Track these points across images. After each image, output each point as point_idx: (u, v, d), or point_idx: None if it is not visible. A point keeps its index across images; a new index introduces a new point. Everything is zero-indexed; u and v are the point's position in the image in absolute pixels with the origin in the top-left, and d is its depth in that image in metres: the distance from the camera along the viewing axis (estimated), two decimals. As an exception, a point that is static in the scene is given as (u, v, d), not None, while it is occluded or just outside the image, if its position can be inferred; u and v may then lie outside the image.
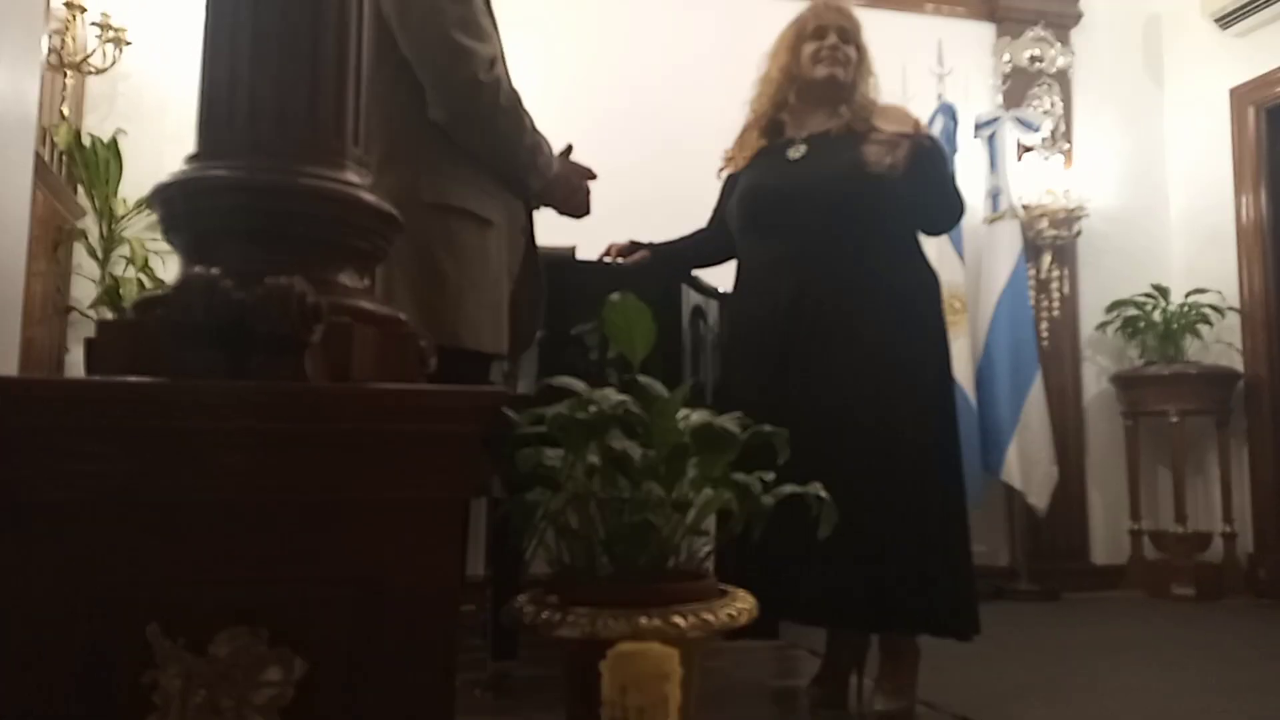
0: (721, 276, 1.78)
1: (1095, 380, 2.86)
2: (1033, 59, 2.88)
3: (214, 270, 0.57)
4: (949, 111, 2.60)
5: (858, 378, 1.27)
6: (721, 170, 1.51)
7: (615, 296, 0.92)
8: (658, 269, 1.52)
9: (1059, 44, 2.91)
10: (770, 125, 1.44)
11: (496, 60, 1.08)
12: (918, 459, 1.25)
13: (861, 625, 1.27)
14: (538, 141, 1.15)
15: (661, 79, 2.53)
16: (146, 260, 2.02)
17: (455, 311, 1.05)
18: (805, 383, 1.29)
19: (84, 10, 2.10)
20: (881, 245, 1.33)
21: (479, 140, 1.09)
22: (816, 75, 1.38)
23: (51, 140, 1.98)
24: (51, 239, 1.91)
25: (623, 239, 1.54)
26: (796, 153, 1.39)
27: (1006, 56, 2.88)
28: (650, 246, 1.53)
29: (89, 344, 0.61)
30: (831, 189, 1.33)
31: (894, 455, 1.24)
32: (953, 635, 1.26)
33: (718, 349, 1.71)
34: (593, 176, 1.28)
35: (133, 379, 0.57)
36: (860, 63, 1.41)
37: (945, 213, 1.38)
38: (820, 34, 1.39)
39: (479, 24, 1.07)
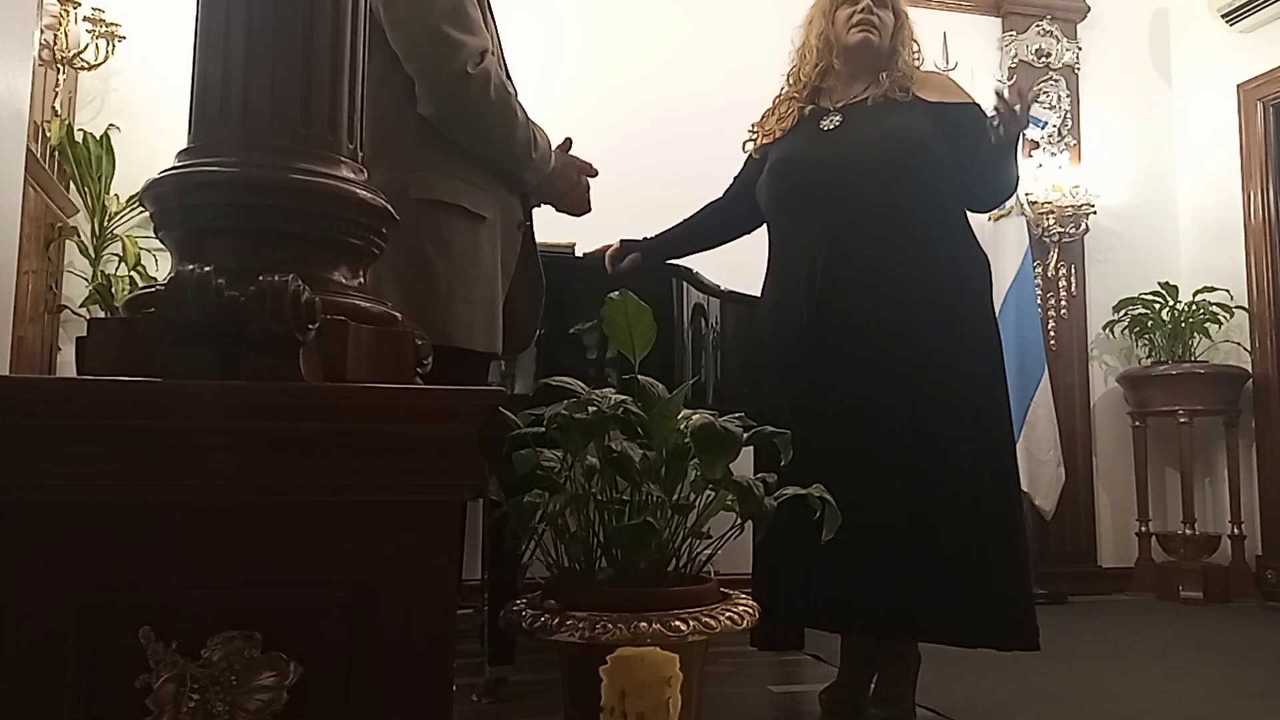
0: (725, 276, 1.77)
1: (1102, 380, 2.84)
2: (1039, 53, 2.86)
3: (207, 268, 0.56)
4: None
5: (888, 381, 1.22)
6: (747, 143, 1.45)
7: (615, 295, 0.90)
8: (654, 265, 1.50)
9: (1066, 39, 2.89)
10: (809, 95, 1.38)
11: (486, 52, 1.07)
12: (954, 470, 1.20)
13: (893, 634, 1.23)
14: (532, 135, 1.13)
15: (662, 67, 2.52)
16: (139, 258, 2.02)
17: (446, 309, 1.04)
18: (833, 384, 1.24)
19: (77, 5, 2.09)
20: (923, 220, 1.25)
21: (468, 134, 1.07)
22: (850, 41, 1.34)
23: (44, 136, 1.98)
24: (43, 236, 1.90)
25: (622, 232, 1.52)
26: (830, 123, 1.34)
27: (1012, 51, 2.86)
28: (642, 244, 1.49)
29: (80, 343, 0.60)
30: (868, 156, 1.26)
31: (930, 463, 1.19)
32: (1009, 647, 1.19)
33: (719, 348, 1.69)
34: (593, 173, 1.26)
35: (124, 378, 0.56)
36: (899, 27, 1.36)
37: (1001, 187, 1.31)
38: (857, 1, 1.35)
39: (468, 15, 1.06)
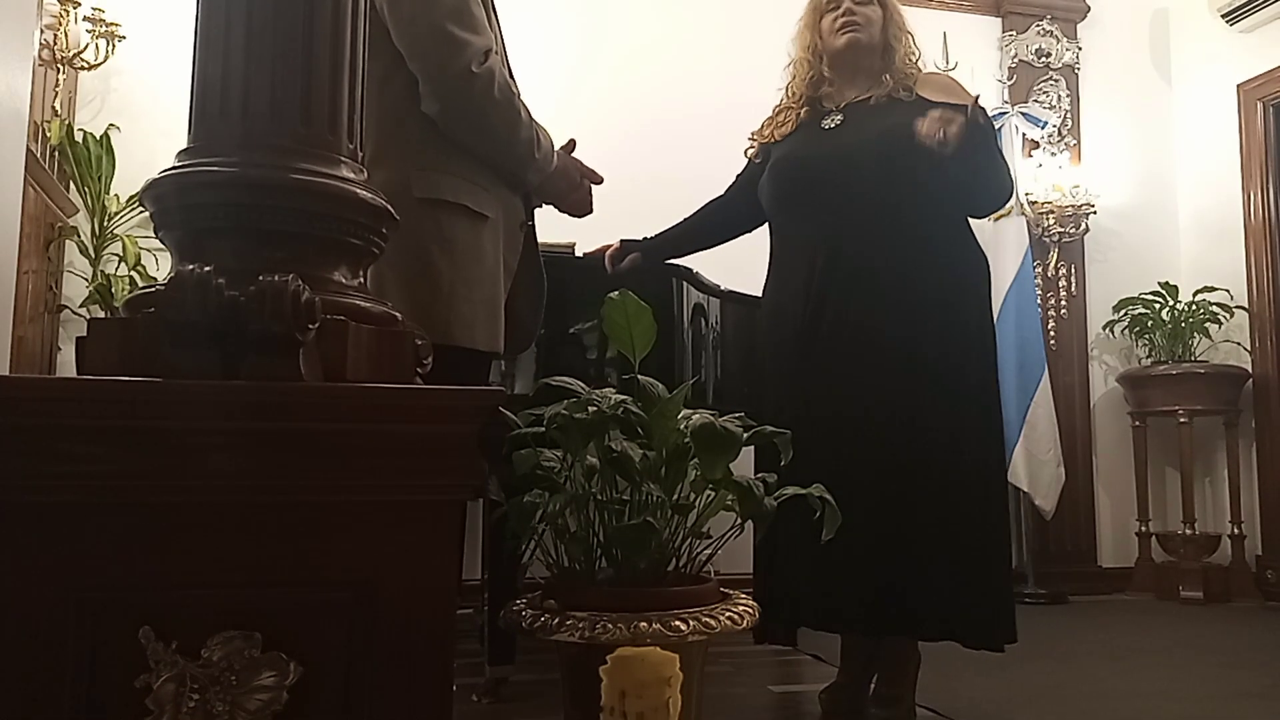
0: (725, 276, 1.77)
1: (1102, 380, 2.85)
2: (1039, 53, 2.86)
3: (206, 268, 0.56)
4: (954, 107, 2.59)
5: (882, 381, 1.22)
6: (748, 150, 1.45)
7: (615, 295, 0.90)
8: (654, 265, 1.50)
9: (1066, 39, 2.89)
10: (807, 103, 1.39)
11: (491, 52, 1.07)
12: (949, 469, 1.20)
13: (887, 631, 1.23)
14: (535, 135, 1.13)
15: (662, 67, 2.52)
16: (139, 258, 2.02)
17: (448, 309, 1.04)
18: (828, 384, 1.24)
19: (77, 5, 2.09)
20: (922, 220, 1.25)
21: (472, 133, 1.08)
22: (838, 45, 1.34)
23: (44, 136, 1.98)
24: (43, 236, 1.91)
25: (622, 232, 1.52)
26: (831, 122, 1.33)
27: (1012, 51, 2.86)
28: (642, 244, 1.50)
29: (80, 343, 0.60)
30: (867, 155, 1.26)
31: (924, 465, 1.20)
32: (984, 646, 1.21)
33: (719, 348, 1.69)
34: (598, 180, 1.26)
35: (124, 378, 0.56)
36: (888, 21, 1.34)
37: (990, 194, 1.30)
38: (836, 3, 1.35)
39: (472, 14, 1.06)
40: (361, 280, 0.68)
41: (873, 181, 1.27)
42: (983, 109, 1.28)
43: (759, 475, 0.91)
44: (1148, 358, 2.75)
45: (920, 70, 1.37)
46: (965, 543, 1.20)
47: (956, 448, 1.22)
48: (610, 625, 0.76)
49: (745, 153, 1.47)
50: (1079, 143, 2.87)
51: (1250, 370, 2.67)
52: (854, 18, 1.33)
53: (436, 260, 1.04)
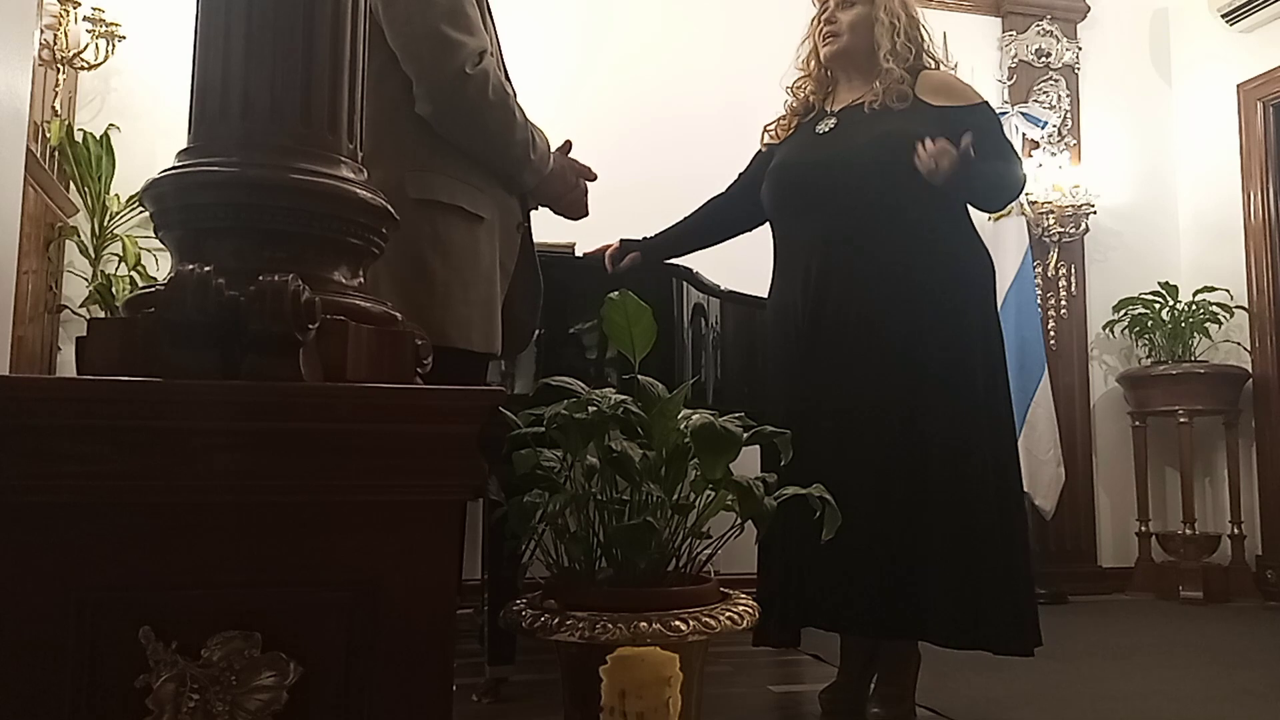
0: (725, 276, 1.77)
1: (1102, 380, 2.85)
2: (1039, 53, 2.86)
3: (207, 268, 0.57)
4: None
5: (883, 379, 1.22)
6: (764, 138, 1.46)
7: (615, 295, 0.91)
8: (653, 265, 1.50)
9: (1066, 39, 2.89)
10: (809, 106, 1.41)
11: (485, 53, 1.07)
12: (951, 466, 1.19)
13: (894, 634, 1.22)
14: (530, 136, 1.13)
15: (662, 67, 2.52)
16: (139, 258, 2.02)
17: (444, 310, 1.04)
18: (829, 384, 1.25)
19: (77, 5, 2.09)
20: (922, 221, 1.25)
21: (466, 134, 1.08)
22: (823, 55, 1.37)
23: (43, 136, 1.98)
24: (43, 236, 1.91)
25: (622, 232, 1.52)
26: (825, 126, 1.35)
27: (1012, 51, 2.87)
28: (641, 244, 1.50)
29: (80, 343, 0.60)
30: (861, 159, 1.27)
31: (925, 463, 1.19)
32: (1006, 651, 1.19)
33: (719, 348, 1.69)
34: (592, 177, 1.26)
35: (124, 378, 0.56)
36: (873, 20, 1.33)
37: (1000, 191, 1.29)
38: (823, 8, 1.37)
39: (467, 15, 1.06)
40: (361, 280, 0.68)
41: (867, 185, 1.27)
42: (987, 106, 1.27)
43: (760, 475, 0.91)
44: (1148, 358, 2.75)
45: (935, 59, 1.36)
46: (965, 545, 1.19)
47: (958, 445, 1.21)
48: (610, 625, 0.76)
49: (762, 140, 1.47)
50: (1079, 143, 2.87)
51: (1250, 370, 2.67)
52: (833, 27, 1.35)
53: (432, 261, 1.04)
